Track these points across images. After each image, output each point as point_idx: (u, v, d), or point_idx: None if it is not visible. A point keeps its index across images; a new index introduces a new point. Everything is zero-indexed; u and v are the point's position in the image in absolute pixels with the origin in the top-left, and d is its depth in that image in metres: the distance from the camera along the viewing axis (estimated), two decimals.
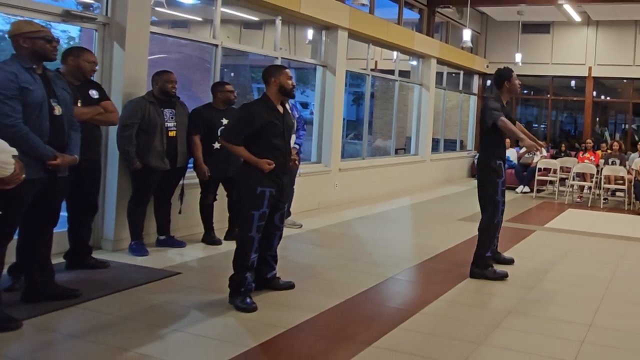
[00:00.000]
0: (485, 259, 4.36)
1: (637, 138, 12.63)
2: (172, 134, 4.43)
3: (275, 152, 3.44)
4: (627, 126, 13.26)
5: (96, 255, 4.11)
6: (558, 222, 7.39)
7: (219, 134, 4.48)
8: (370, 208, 7.54)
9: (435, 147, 10.91)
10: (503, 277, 4.31)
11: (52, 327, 2.98)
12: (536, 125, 15.13)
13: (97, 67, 3.96)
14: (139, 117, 4.21)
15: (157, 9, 5.48)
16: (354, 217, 6.91)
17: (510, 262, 4.84)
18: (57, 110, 3.01)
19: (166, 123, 4.40)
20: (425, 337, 3.19)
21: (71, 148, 3.12)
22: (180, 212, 4.79)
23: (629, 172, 8.72)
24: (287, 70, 3.56)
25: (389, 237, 6.03)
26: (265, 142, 3.41)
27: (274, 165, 3.37)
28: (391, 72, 9.52)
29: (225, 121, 4.69)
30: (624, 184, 8.83)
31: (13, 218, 2.84)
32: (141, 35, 4.54)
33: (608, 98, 14.31)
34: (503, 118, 4.13)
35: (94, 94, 3.83)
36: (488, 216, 4.41)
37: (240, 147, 3.41)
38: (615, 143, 10.08)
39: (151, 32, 4.73)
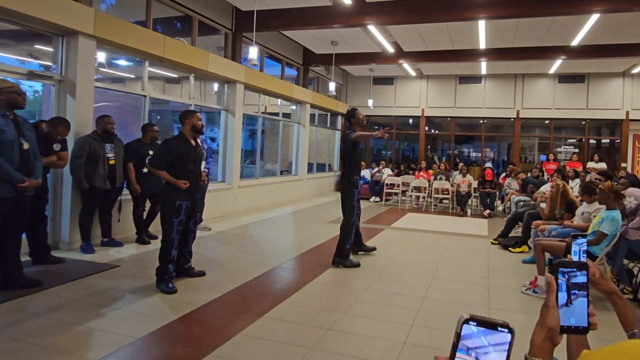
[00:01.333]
0: (345, 251, 4.62)
1: (457, 160, 13.54)
2: (111, 162, 4.82)
3: (189, 174, 3.70)
4: (450, 152, 13.94)
5: (54, 253, 4.37)
6: (401, 222, 7.80)
7: (147, 162, 4.97)
8: (263, 215, 7.80)
9: (310, 169, 11.49)
10: (357, 265, 4.61)
11: (22, 309, 3.17)
12: (384, 152, 15.71)
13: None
14: (86, 150, 4.58)
15: (100, 68, 5.69)
16: (250, 221, 7.08)
17: (372, 249, 5.22)
18: (25, 146, 3.33)
19: (107, 154, 4.76)
20: (304, 309, 3.40)
21: (35, 174, 3.46)
22: (118, 220, 5.22)
23: (452, 185, 9.56)
24: (198, 114, 3.87)
25: (276, 236, 6.30)
26: (181, 167, 3.67)
27: (188, 184, 3.65)
28: (277, 114, 10.04)
29: (151, 152, 5.10)
30: (448, 194, 9.60)
31: None
32: (87, 89, 4.94)
33: (436, 131, 15.13)
34: (354, 133, 4.59)
35: (56, 146, 4.17)
36: (347, 218, 4.67)
37: (163, 172, 3.66)
38: (442, 164, 10.72)
39: (95, 87, 5.09)
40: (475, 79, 12.63)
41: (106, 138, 4.79)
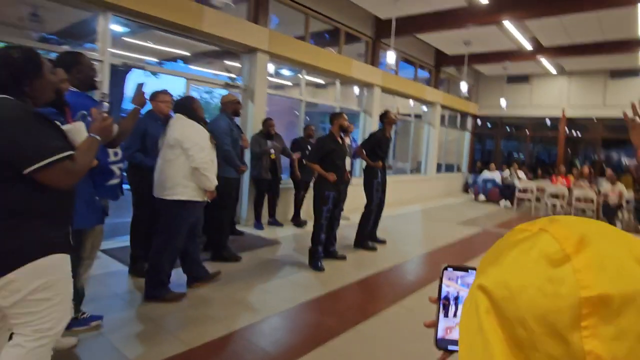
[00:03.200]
0: (365, 237, 5.09)
1: (604, 166, 12.03)
2: (272, 156, 5.65)
3: (336, 168, 4.18)
4: (596, 157, 12.71)
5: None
6: None
7: (306, 154, 5.78)
8: (394, 210, 8.00)
9: (438, 169, 11.62)
10: (373, 249, 5.05)
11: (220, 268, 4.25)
12: (516, 153, 15.10)
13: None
14: (257, 147, 5.51)
15: (269, 78, 6.85)
16: (384, 216, 6.88)
17: (383, 241, 5.44)
18: (241, 143, 4.50)
19: (270, 150, 5.60)
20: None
21: (245, 163, 4.60)
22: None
23: (597, 194, 8.61)
24: (344, 115, 4.42)
25: (410, 231, 6.70)
26: (330, 162, 4.16)
27: (336, 177, 4.11)
28: (409, 114, 10.48)
29: (309, 147, 5.93)
30: (593, 203, 8.64)
31: (229, 199, 4.33)
32: (262, 95, 6.06)
33: (579, 134, 13.27)
34: (360, 149, 5.14)
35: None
36: (367, 205, 5.08)
37: (316, 165, 4.19)
38: (586, 168, 9.89)
39: (268, 93, 6.22)
40: (632, 72, 11.08)
41: (269, 136, 5.66)
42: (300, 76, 7.02)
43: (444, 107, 11.33)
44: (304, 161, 5.82)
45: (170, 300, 3.25)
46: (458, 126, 13.17)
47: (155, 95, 3.73)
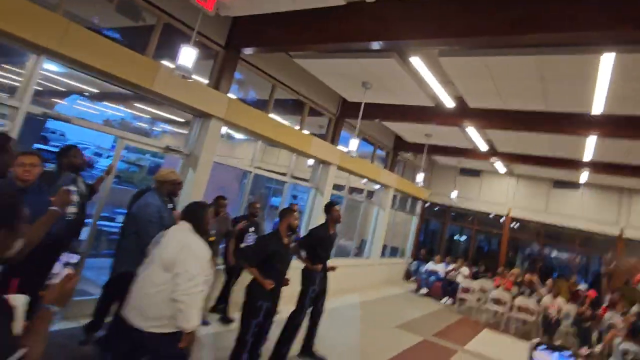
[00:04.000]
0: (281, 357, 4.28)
1: (538, 265, 12.41)
2: (212, 239, 4.52)
3: (276, 274, 3.70)
4: (534, 255, 12.81)
5: None
6: (475, 344, 7.05)
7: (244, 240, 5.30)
8: (326, 302, 7.37)
9: (383, 251, 11.29)
10: None
11: None
12: (458, 237, 14.98)
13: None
14: None
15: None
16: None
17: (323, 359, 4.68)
18: None
19: (211, 231, 4.78)
20: None
21: None
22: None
23: (538, 305, 8.47)
24: (295, 213, 3.97)
25: (338, 338, 5.75)
26: (270, 266, 3.68)
27: (274, 284, 3.64)
28: (360, 189, 10.29)
29: (251, 229, 5.43)
30: (532, 315, 8.53)
31: None
32: (207, 162, 5.44)
33: (522, 234, 13.16)
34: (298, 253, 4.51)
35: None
36: (293, 315, 4.42)
37: (254, 268, 3.66)
38: (529, 277, 9.81)
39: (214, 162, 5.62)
40: (573, 185, 11.80)
41: (215, 216, 4.98)
42: (253, 148, 6.53)
43: (397, 190, 11.29)
44: (242, 244, 5.21)
45: None
46: (407, 209, 13.18)
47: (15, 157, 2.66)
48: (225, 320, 5.36)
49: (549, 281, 9.42)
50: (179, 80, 4.66)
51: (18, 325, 1.25)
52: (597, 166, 9.16)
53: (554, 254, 14.29)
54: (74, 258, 1.42)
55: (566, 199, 11.94)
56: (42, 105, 3.95)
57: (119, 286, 3.61)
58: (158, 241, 2.81)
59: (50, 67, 4.25)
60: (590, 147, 7.85)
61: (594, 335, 8.02)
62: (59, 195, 2.20)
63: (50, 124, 12.25)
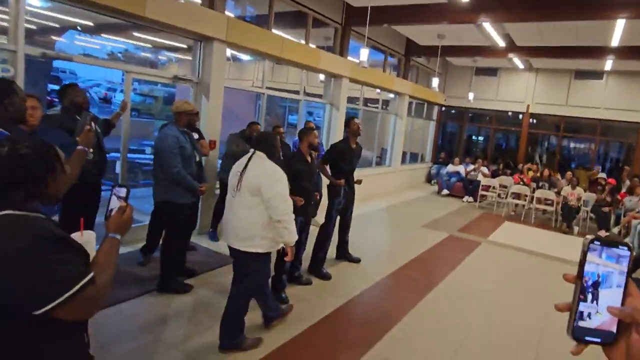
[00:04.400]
0: (318, 262, 4.57)
1: (559, 157, 12.53)
2: None
3: (304, 191, 3.81)
4: (555, 148, 12.80)
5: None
6: (498, 235, 7.32)
7: None
8: (363, 207, 7.08)
9: (403, 159, 11.40)
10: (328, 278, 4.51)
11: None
12: (476, 138, 14.83)
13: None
14: (233, 146, 4.94)
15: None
16: None
17: (357, 260, 5.08)
18: (197, 158, 3.86)
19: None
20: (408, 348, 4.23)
21: (205, 179, 4.02)
22: None
23: (557, 196, 8.65)
24: (315, 131, 4.04)
25: (369, 242, 6.04)
26: (297, 184, 3.73)
27: (303, 201, 3.78)
28: (375, 100, 10.13)
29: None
30: (552, 204, 8.81)
31: (182, 227, 3.83)
32: (218, 89, 5.37)
33: (542, 130, 13.04)
34: (322, 163, 4.60)
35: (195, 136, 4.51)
36: (323, 227, 4.64)
37: None
38: (546, 171, 9.95)
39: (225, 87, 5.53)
40: (595, 74, 11.25)
41: (250, 141, 4.90)
42: (260, 68, 6.35)
43: (411, 97, 11.03)
44: None
45: (249, 348, 3.03)
46: (424, 115, 12.96)
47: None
48: None
49: (568, 173, 9.40)
50: (172, 4, 4.46)
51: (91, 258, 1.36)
52: (623, 51, 8.61)
53: (572, 145, 14.21)
54: (122, 191, 1.52)
55: (588, 90, 11.48)
56: (42, 45, 3.88)
57: (159, 214, 4.03)
58: (235, 171, 2.99)
59: (35, 2, 4.12)
60: (618, 31, 7.30)
61: (612, 219, 8.26)
62: (84, 133, 2.25)
63: (59, 64, 12.08)
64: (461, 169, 11.17)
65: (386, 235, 6.83)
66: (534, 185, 9.56)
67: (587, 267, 0.58)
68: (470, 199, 10.47)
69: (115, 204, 1.50)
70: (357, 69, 8.04)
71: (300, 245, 4.12)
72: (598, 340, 0.57)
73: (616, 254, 0.58)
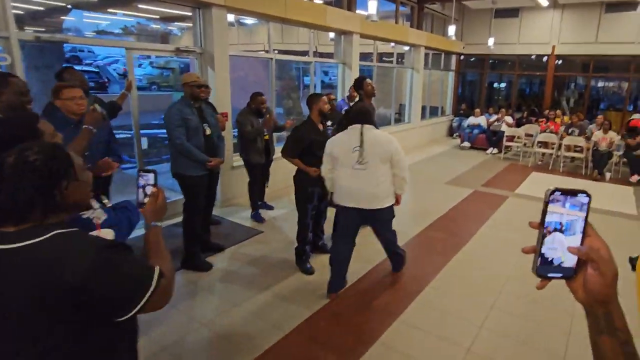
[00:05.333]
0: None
1: (586, 100, 11.76)
2: (266, 137, 4.82)
3: (319, 161, 3.48)
4: (584, 91, 12.03)
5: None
6: (525, 187, 7.06)
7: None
8: None
9: (422, 113, 11.09)
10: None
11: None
12: (498, 84, 14.25)
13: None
14: (247, 127, 4.65)
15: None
16: None
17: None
18: (208, 131, 3.71)
19: (264, 130, 4.79)
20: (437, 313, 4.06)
21: (219, 154, 3.87)
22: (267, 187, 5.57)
23: (587, 142, 8.24)
24: (324, 97, 3.74)
25: None
26: (312, 154, 3.61)
27: (319, 171, 3.48)
28: (389, 54, 9.68)
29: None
30: (581, 151, 8.40)
31: (198, 200, 3.75)
32: (224, 58, 5.12)
33: (569, 72, 12.53)
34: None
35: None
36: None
37: (296, 159, 3.67)
38: (574, 116, 9.44)
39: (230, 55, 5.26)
40: (629, 5, 10.21)
41: (260, 114, 4.78)
42: (267, 31, 6.00)
43: (427, 48, 10.44)
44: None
45: None
46: (442, 67, 12.36)
47: (59, 91, 2.79)
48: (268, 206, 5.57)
49: (599, 117, 8.83)
50: None
51: None
52: None
53: (600, 85, 13.35)
54: (150, 177, 1.42)
55: (620, 24, 10.48)
56: (50, 25, 3.71)
57: (183, 185, 3.84)
58: (347, 148, 3.20)
59: None
60: None
61: None
62: (89, 114, 2.28)
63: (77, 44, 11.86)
64: (482, 120, 10.69)
65: (410, 195, 6.51)
66: (562, 131, 9.07)
67: (549, 217, 0.65)
68: (495, 150, 10.09)
69: (142, 197, 1.42)
70: (368, 23, 7.47)
71: (321, 214, 4.06)
72: (560, 275, 0.68)
73: (579, 202, 0.65)
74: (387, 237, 3.62)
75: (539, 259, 0.66)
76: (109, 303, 1.05)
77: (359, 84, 4.45)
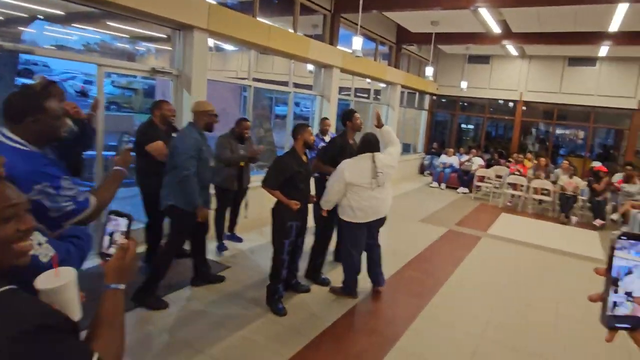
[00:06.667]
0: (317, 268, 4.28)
1: (545, 143, 12.50)
2: (242, 164, 4.61)
3: (300, 193, 3.53)
4: (546, 135, 12.76)
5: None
6: (497, 228, 7.11)
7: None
8: None
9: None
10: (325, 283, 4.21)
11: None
12: (466, 125, 14.79)
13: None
14: (226, 152, 4.43)
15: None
16: None
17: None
18: (212, 163, 3.54)
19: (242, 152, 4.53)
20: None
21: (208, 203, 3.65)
22: (245, 217, 5.38)
23: (554, 184, 8.47)
24: (309, 128, 3.64)
25: None
26: (293, 186, 3.50)
27: (299, 204, 3.48)
28: (366, 90, 9.75)
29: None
30: (549, 194, 8.65)
31: (184, 236, 3.61)
32: (201, 81, 4.90)
33: (535, 118, 12.83)
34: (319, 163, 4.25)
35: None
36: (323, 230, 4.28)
37: (277, 191, 3.49)
38: (542, 160, 9.59)
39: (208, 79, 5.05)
40: (589, 61, 10.99)
41: (241, 141, 4.63)
42: (246, 58, 5.90)
43: (403, 86, 10.68)
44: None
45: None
46: (416, 105, 12.63)
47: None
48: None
49: (565, 162, 9.14)
50: None
51: (76, 310, 1.03)
52: (620, 37, 8.27)
53: (560, 131, 14.01)
54: (123, 223, 1.13)
55: (581, 77, 11.25)
56: (7, 35, 3.41)
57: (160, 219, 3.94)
58: (367, 174, 3.66)
59: None
60: (619, 15, 6.95)
61: (608, 208, 8.09)
62: (121, 154, 1.96)
63: (31, 56, 11.37)
64: (455, 160, 10.88)
65: (385, 232, 6.32)
66: (530, 174, 9.32)
67: (616, 262, 0.61)
68: (465, 190, 10.23)
69: (107, 245, 1.14)
70: (349, 59, 7.64)
71: (296, 250, 3.79)
72: (627, 326, 0.63)
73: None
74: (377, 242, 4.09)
75: (608, 308, 0.62)
76: None
77: (347, 116, 4.31)
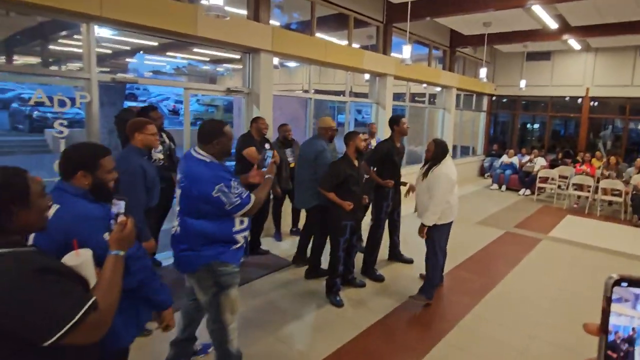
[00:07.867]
0: (370, 264, 4.61)
1: (619, 141, 11.41)
2: (292, 165, 5.08)
3: (353, 195, 3.86)
4: (620, 133, 11.70)
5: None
6: (560, 230, 6.84)
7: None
8: (407, 209, 7.11)
9: (453, 152, 10.99)
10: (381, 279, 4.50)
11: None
12: (531, 125, 14.04)
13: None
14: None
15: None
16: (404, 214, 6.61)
17: (410, 261, 5.01)
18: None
19: (288, 158, 5.12)
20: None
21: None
22: None
23: (626, 184, 7.97)
24: (360, 135, 3.94)
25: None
26: (346, 188, 3.85)
27: (352, 205, 3.80)
28: (422, 94, 9.91)
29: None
30: (620, 195, 8.06)
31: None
32: (268, 97, 5.47)
33: (604, 114, 12.10)
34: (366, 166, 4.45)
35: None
36: (372, 229, 4.61)
37: (331, 193, 3.82)
38: (612, 158, 9.10)
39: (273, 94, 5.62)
40: None
41: (286, 144, 5.18)
42: (307, 72, 6.41)
43: (459, 89, 10.64)
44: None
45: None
46: (473, 107, 12.46)
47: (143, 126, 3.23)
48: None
49: (638, 160, 8.56)
50: (220, 21, 4.59)
51: (92, 279, 1.31)
52: None
53: (635, 127, 12.96)
54: (121, 205, 1.46)
55: None
56: (116, 66, 4.16)
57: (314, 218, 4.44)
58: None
59: (104, 31, 4.42)
60: None
61: None
62: (270, 167, 2.56)
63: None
64: (515, 160, 10.60)
65: None
66: (598, 174, 8.84)
67: (614, 319, 0.45)
68: (528, 192, 9.92)
69: (112, 222, 1.45)
70: (402, 66, 7.79)
71: (352, 247, 4.12)
72: None
73: None
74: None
75: None
76: (24, 327, 1.05)
77: (395, 121, 4.55)
